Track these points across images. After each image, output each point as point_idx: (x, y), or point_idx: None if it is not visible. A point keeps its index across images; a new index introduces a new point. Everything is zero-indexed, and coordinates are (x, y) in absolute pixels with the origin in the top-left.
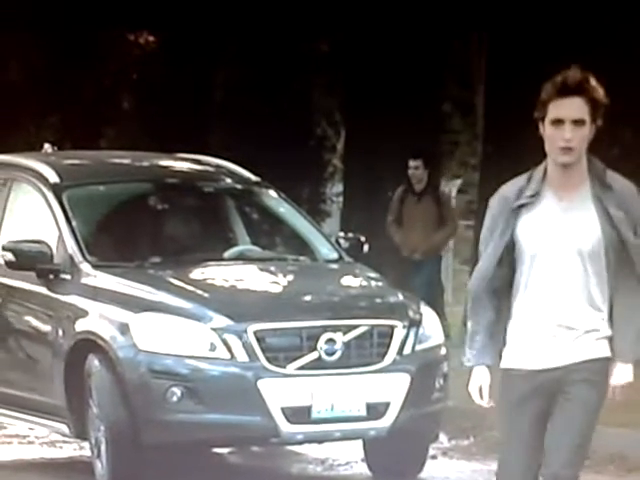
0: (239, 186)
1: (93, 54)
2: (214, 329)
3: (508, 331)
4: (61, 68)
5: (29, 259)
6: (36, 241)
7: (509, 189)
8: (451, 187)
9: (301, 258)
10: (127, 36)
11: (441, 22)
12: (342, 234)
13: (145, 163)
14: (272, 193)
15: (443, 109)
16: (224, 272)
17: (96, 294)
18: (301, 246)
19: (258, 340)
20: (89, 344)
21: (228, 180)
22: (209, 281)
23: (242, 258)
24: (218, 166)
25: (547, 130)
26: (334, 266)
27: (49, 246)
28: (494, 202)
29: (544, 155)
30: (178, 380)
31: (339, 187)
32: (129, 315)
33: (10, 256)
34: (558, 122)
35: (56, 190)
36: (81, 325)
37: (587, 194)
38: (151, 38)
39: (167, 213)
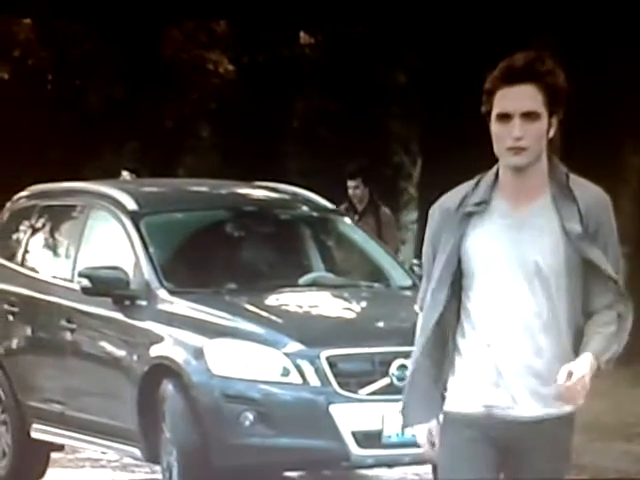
0: (315, 214)
1: (173, 83)
2: (287, 354)
3: (454, 369)
4: (141, 96)
5: (105, 285)
6: (113, 267)
7: (451, 197)
8: None
9: (375, 285)
10: (207, 65)
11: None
12: (416, 261)
13: (222, 191)
14: (347, 220)
15: None
16: (298, 298)
17: (171, 320)
18: (375, 273)
19: (330, 365)
20: (163, 369)
21: (304, 208)
22: (283, 307)
23: (316, 284)
24: (294, 194)
25: (493, 127)
26: (408, 293)
27: (125, 272)
28: (433, 214)
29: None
30: (251, 404)
31: (414, 214)
32: (203, 340)
33: (86, 282)
34: (505, 117)
35: (134, 217)
36: (156, 350)
37: (547, 204)
38: (230, 67)
39: (243, 240)
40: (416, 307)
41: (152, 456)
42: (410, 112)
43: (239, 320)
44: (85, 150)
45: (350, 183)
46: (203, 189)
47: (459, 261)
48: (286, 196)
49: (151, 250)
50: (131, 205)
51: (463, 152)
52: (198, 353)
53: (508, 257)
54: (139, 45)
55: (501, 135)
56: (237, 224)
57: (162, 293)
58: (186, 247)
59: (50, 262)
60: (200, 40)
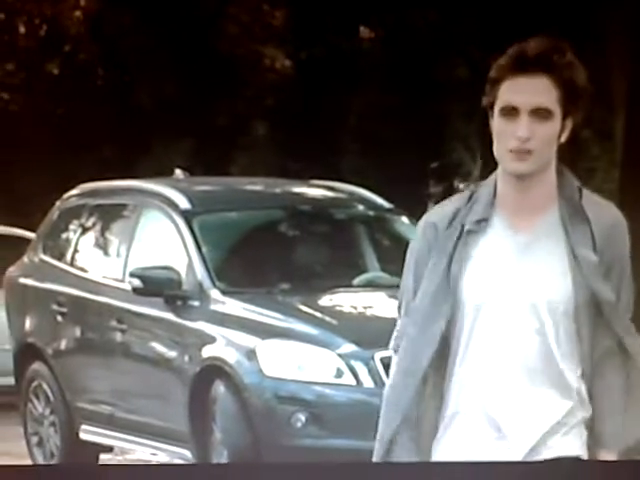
0: (371, 213)
1: (227, 79)
2: (341, 355)
3: (440, 419)
4: (194, 93)
5: (157, 285)
6: (164, 267)
7: (440, 212)
8: None
9: None
10: (263, 61)
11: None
12: None
13: (277, 190)
14: (404, 219)
15: (581, 135)
16: (352, 299)
17: (224, 320)
18: None
19: (385, 367)
20: (215, 370)
21: (360, 207)
22: (337, 308)
23: (371, 285)
24: (351, 193)
25: (496, 123)
26: None
27: (177, 272)
28: (419, 233)
29: None
30: (303, 406)
31: None
32: (256, 341)
33: (137, 282)
34: (511, 111)
35: (187, 216)
36: (208, 351)
37: (554, 222)
38: (287, 63)
39: (298, 240)
40: (390, 348)
41: (203, 457)
42: (471, 108)
43: (292, 321)
44: (137, 147)
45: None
46: (257, 188)
47: (449, 288)
48: (342, 195)
49: (204, 250)
50: (184, 204)
51: None
52: (250, 354)
53: (507, 287)
54: (192, 39)
55: (504, 133)
56: (291, 223)
57: (214, 293)
58: (239, 247)
59: (100, 262)
60: (256, 34)
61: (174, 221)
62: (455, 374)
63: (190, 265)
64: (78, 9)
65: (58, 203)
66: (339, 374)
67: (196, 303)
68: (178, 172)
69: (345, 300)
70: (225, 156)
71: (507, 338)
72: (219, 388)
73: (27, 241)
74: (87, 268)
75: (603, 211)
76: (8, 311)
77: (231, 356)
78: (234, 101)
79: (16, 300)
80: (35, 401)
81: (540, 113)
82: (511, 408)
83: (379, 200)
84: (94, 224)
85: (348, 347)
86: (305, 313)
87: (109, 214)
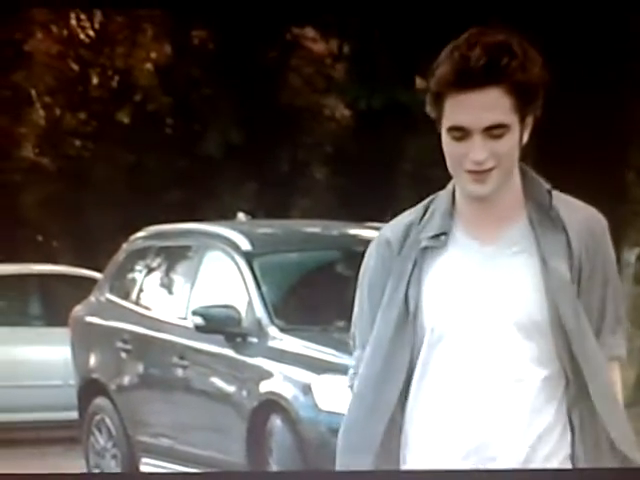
0: None
1: (289, 128)
2: None
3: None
4: (258, 141)
5: (218, 323)
6: (225, 306)
7: (394, 228)
8: (631, 255)
9: None
10: (323, 111)
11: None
12: None
13: (334, 232)
14: None
15: (626, 178)
16: None
17: (281, 356)
18: None
19: None
20: (272, 404)
21: None
22: None
23: None
24: None
25: (445, 141)
26: None
27: (238, 311)
28: (371, 251)
29: None
30: None
31: None
32: (312, 376)
33: (200, 320)
34: (461, 132)
35: (248, 257)
36: (265, 386)
37: (524, 231)
38: (346, 112)
39: (353, 280)
40: (347, 386)
41: None
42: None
43: (347, 357)
44: (202, 192)
45: None
46: (315, 230)
47: (407, 311)
48: None
49: (263, 289)
50: (245, 245)
51: (565, 191)
52: (306, 389)
53: (476, 303)
54: (257, 90)
55: (456, 155)
56: (347, 264)
57: (273, 330)
58: (297, 286)
59: (164, 301)
60: (317, 85)
61: (236, 262)
62: (413, 406)
63: (250, 304)
64: (149, 61)
65: (125, 245)
66: None
67: (255, 340)
68: (241, 215)
69: None
70: (286, 200)
71: (478, 362)
72: (276, 422)
73: (93, 281)
74: (151, 307)
75: (579, 213)
76: (73, 348)
77: (287, 391)
78: (295, 148)
79: (81, 338)
80: (97, 435)
81: (495, 129)
82: (485, 439)
83: None
84: (159, 265)
85: None
86: None
87: (174, 255)
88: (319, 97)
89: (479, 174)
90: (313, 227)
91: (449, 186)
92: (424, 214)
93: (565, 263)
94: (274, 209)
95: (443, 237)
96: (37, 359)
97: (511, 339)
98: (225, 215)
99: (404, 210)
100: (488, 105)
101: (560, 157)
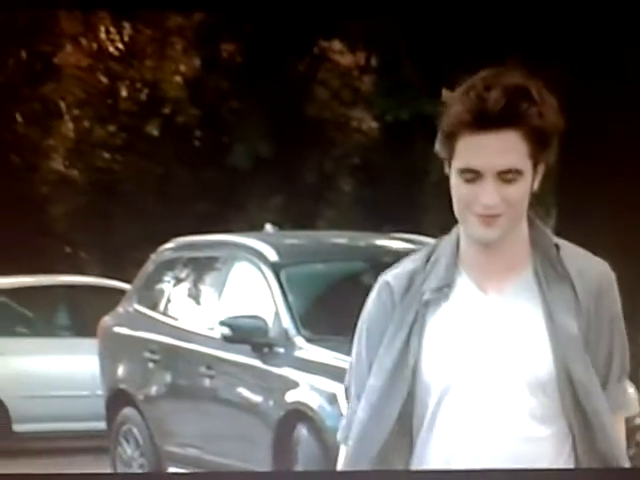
0: None
1: (317, 140)
2: None
3: None
4: (286, 153)
5: (245, 333)
6: (252, 316)
7: (397, 274)
8: None
9: None
10: (350, 123)
11: None
12: None
13: (361, 242)
14: None
15: None
16: None
17: (307, 366)
18: None
19: None
20: (298, 414)
21: None
22: None
23: None
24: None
25: (454, 183)
26: None
27: (265, 321)
28: (373, 296)
29: None
30: None
31: None
32: (337, 386)
33: (227, 331)
34: (473, 175)
35: (275, 268)
36: (291, 396)
37: (530, 282)
38: (373, 125)
39: None
40: (338, 439)
41: None
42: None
43: None
44: (230, 204)
45: None
46: (342, 241)
47: (408, 367)
48: (421, 247)
49: (290, 299)
50: (273, 256)
51: (598, 208)
52: (332, 398)
53: (482, 364)
54: (285, 103)
55: (465, 197)
56: (374, 275)
57: (299, 341)
58: (324, 296)
59: (192, 311)
60: (344, 98)
61: (263, 272)
62: (417, 456)
63: (277, 314)
64: (178, 74)
65: (153, 256)
66: None
67: (281, 350)
68: (268, 227)
69: None
70: (313, 211)
71: (484, 423)
72: (302, 431)
73: (121, 292)
74: (179, 317)
75: (587, 266)
76: (101, 359)
77: (314, 400)
78: (323, 160)
79: (109, 348)
80: (125, 444)
81: (508, 173)
82: None
83: None
84: (187, 275)
85: None
86: None
87: (202, 266)
88: (346, 109)
89: (488, 218)
90: (340, 238)
91: (453, 232)
92: (427, 261)
93: (573, 317)
94: (301, 220)
95: (446, 289)
96: (65, 370)
97: (515, 396)
98: (253, 226)
99: (430, 221)
100: (504, 149)
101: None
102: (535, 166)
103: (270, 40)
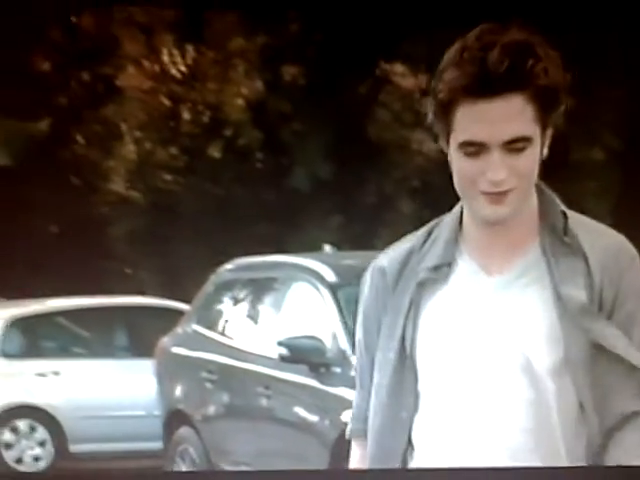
0: None
1: (377, 162)
2: None
3: None
4: (346, 174)
5: (302, 354)
6: (310, 337)
7: (391, 255)
8: None
9: None
10: (411, 145)
11: None
12: None
13: None
14: None
15: None
16: None
17: None
18: None
19: None
20: None
21: None
22: None
23: None
24: None
25: (455, 159)
26: None
27: (322, 341)
28: (366, 281)
29: None
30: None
31: None
32: None
33: (284, 351)
34: (476, 148)
35: (333, 288)
36: (348, 416)
37: (537, 261)
38: (433, 147)
39: None
40: (347, 433)
41: None
42: (606, 188)
43: None
44: (289, 225)
45: None
46: None
47: (404, 349)
48: None
49: (347, 319)
50: (330, 277)
51: None
52: None
53: (483, 348)
54: (346, 125)
55: (470, 174)
56: None
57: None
58: None
59: (250, 332)
60: (405, 120)
61: (320, 293)
62: (422, 455)
63: (334, 334)
64: (240, 97)
65: (213, 277)
66: None
67: (338, 370)
68: (327, 247)
69: None
70: (371, 232)
71: (485, 406)
72: None
73: (179, 313)
74: (237, 337)
75: (603, 240)
76: (159, 379)
77: None
78: (382, 182)
79: (167, 368)
80: (181, 464)
81: (516, 142)
82: None
83: None
84: (246, 296)
85: None
86: None
87: (260, 287)
88: (407, 131)
89: (497, 195)
90: None
91: (455, 209)
92: (426, 240)
93: (581, 291)
94: (359, 241)
95: (445, 269)
96: (122, 390)
97: (519, 385)
98: (311, 247)
99: None
100: (510, 115)
101: None
102: (544, 131)
103: (332, 62)
